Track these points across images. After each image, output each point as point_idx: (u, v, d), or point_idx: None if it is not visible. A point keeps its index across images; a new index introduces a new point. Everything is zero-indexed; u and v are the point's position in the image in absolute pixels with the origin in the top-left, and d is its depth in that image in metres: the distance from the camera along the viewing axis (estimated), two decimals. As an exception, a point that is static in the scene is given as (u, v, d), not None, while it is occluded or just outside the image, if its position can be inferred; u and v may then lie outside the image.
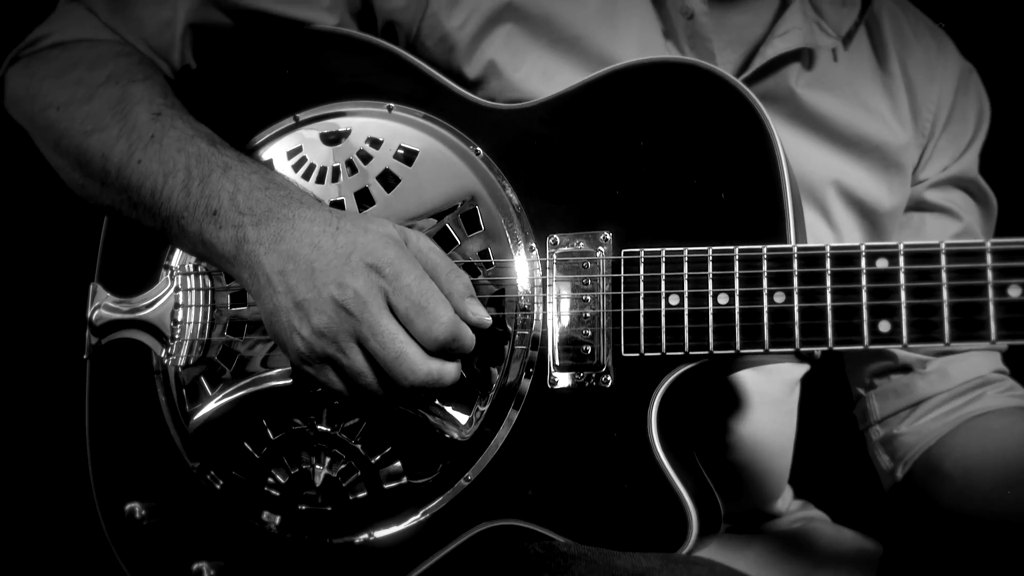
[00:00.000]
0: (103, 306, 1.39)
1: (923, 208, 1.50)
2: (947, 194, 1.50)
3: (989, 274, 1.05)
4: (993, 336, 1.05)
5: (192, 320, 1.32)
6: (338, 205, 1.27)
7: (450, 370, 1.14)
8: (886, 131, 1.44)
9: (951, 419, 1.46)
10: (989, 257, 1.05)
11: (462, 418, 1.21)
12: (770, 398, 1.45)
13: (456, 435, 1.21)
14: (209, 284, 1.33)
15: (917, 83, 1.47)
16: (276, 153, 1.33)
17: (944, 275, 1.06)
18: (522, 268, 1.21)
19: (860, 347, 1.08)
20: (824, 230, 1.44)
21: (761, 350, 1.11)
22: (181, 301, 1.33)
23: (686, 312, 1.13)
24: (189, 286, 1.33)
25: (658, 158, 1.19)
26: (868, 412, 1.55)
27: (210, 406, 1.31)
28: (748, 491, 1.51)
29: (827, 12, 1.41)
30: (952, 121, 1.49)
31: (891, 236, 1.47)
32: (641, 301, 1.15)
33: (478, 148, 1.26)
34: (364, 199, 1.27)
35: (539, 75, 1.36)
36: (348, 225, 1.15)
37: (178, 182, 1.22)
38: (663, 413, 1.16)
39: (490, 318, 1.16)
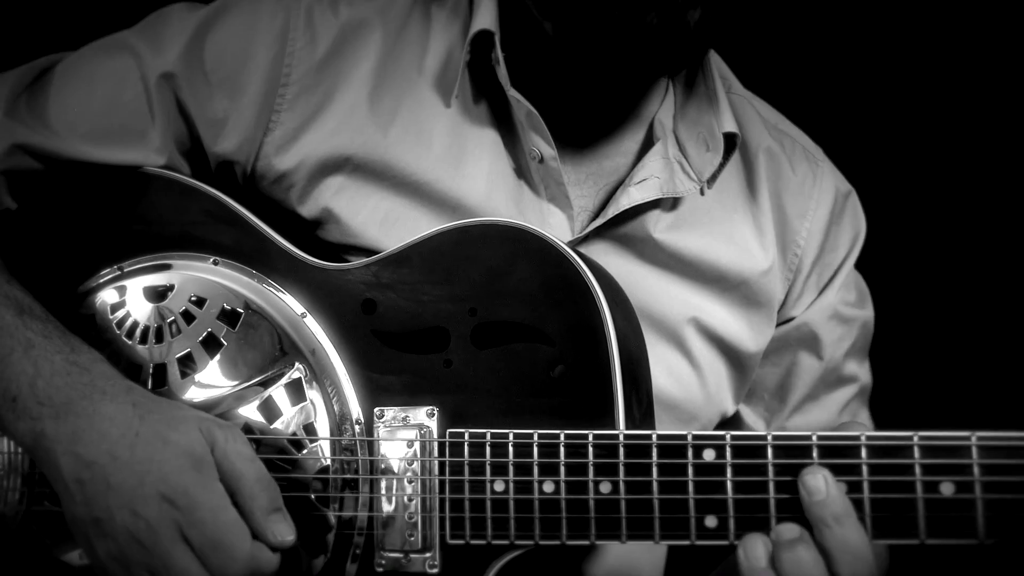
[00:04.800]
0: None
1: (795, 345, 1.45)
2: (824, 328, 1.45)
3: (816, 470, 1.01)
4: (821, 535, 1.01)
5: (9, 487, 1.25)
6: (161, 369, 1.21)
7: None
8: (750, 261, 1.39)
9: None
10: (816, 452, 1.02)
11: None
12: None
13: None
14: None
15: (790, 216, 1.42)
16: (101, 306, 1.26)
17: (771, 470, 1.02)
18: (348, 444, 1.15)
19: (687, 542, 1.04)
20: (686, 368, 1.39)
21: (587, 542, 1.06)
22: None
23: (511, 500, 1.08)
24: (3, 449, 1.26)
25: (490, 327, 1.13)
26: None
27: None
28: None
29: (691, 154, 1.35)
30: (823, 253, 1.44)
31: (753, 376, 1.44)
32: (466, 487, 1.10)
33: (304, 310, 1.20)
34: (188, 362, 1.21)
35: (379, 221, 1.29)
36: (149, 432, 1.08)
37: None
38: (494, 597, 1.11)
39: (293, 537, 1.08)
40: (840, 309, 1.47)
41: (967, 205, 2.01)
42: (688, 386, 1.39)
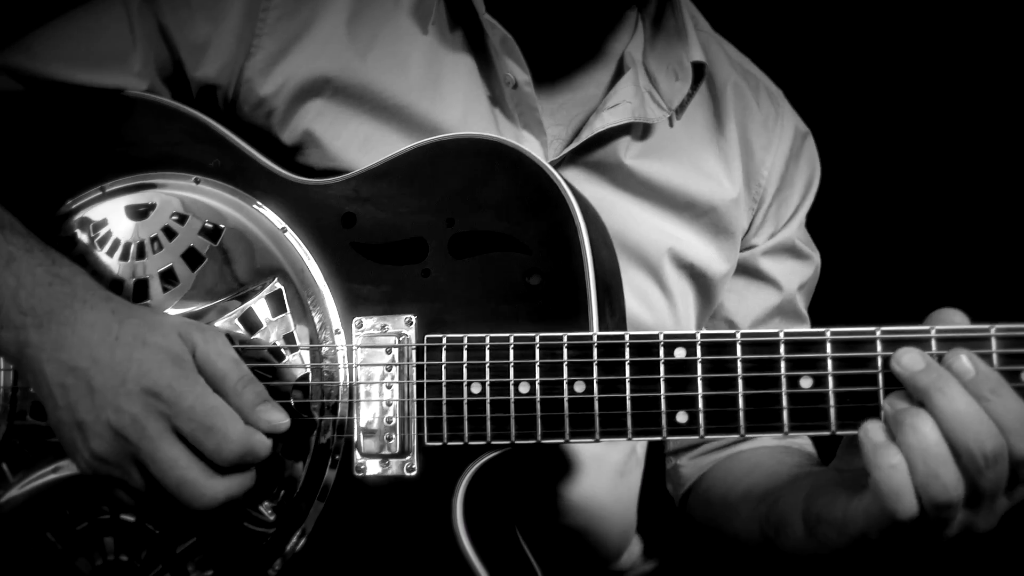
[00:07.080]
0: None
1: (751, 274, 1.49)
2: (778, 263, 1.50)
3: (783, 365, 1.05)
4: (786, 428, 1.05)
5: (-9, 402, 1.26)
6: (143, 284, 1.23)
7: (242, 483, 1.10)
8: (718, 190, 1.42)
9: (722, 455, 1.49)
10: (783, 348, 1.05)
11: (267, 511, 1.17)
12: (606, 463, 1.43)
13: (261, 528, 1.17)
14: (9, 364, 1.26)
15: (755, 148, 1.46)
16: (82, 225, 1.27)
17: (740, 366, 1.05)
18: (328, 353, 1.17)
19: (659, 438, 1.07)
20: (659, 296, 1.42)
21: (562, 440, 1.09)
22: (-18, 381, 1.27)
23: (488, 402, 1.11)
24: (-15, 367, 1.27)
25: (467, 237, 1.16)
26: (664, 443, 1.58)
27: (11, 492, 1.25)
28: (587, 551, 1.49)
29: (661, 83, 1.39)
30: (783, 188, 1.49)
31: (718, 301, 1.47)
32: (444, 389, 1.13)
33: (285, 225, 1.22)
34: (169, 278, 1.23)
35: (359, 144, 1.32)
36: (128, 335, 1.09)
37: None
38: (471, 499, 1.14)
39: (287, 421, 1.11)
40: (798, 244, 1.52)
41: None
42: (660, 313, 1.43)
